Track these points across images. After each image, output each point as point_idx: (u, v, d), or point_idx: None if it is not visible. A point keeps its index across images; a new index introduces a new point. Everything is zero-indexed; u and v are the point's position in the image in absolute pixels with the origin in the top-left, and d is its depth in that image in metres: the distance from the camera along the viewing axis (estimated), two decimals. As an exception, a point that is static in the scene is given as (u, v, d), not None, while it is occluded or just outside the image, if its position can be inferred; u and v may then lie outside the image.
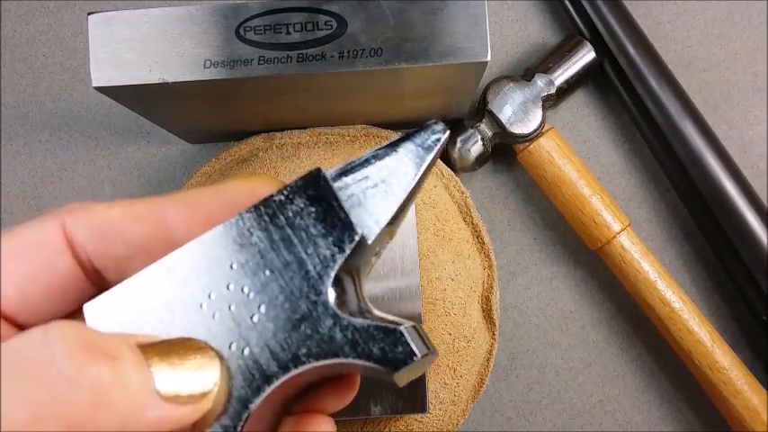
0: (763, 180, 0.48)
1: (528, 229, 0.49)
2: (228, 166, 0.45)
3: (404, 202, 0.22)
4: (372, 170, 0.22)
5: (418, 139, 0.22)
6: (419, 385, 0.39)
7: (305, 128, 0.45)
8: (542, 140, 0.45)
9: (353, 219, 0.21)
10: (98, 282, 0.23)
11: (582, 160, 0.46)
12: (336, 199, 0.21)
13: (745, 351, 0.47)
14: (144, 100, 0.38)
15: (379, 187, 0.22)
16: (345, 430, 0.42)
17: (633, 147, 0.49)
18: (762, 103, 0.49)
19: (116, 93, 0.36)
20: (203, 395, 0.20)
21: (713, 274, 0.48)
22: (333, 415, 0.25)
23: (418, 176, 0.22)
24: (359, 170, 0.22)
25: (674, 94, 0.45)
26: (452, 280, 0.43)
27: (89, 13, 0.35)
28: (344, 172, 0.22)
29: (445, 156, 0.47)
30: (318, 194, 0.21)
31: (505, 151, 0.48)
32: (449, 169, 0.46)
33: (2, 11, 0.51)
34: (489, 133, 0.46)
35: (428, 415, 0.42)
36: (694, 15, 0.49)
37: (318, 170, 0.22)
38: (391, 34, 0.34)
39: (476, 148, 0.46)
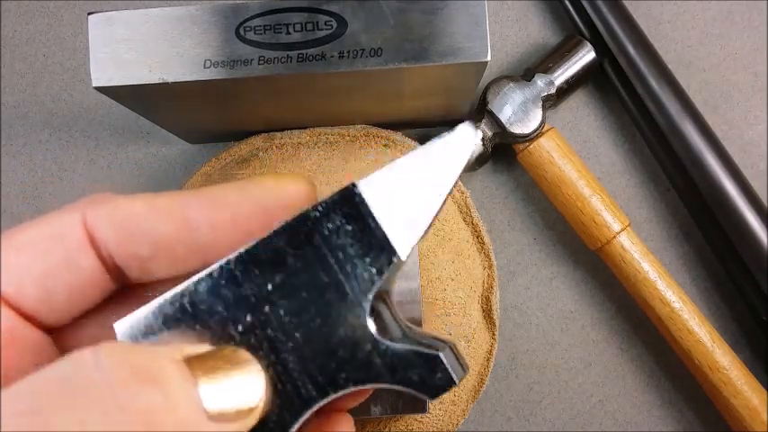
0: (763, 180, 0.48)
1: (528, 228, 0.49)
2: (228, 166, 0.45)
3: (437, 212, 0.21)
4: (406, 179, 0.21)
5: (452, 143, 0.21)
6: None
7: (305, 128, 0.45)
8: (542, 140, 0.45)
9: (390, 236, 0.20)
10: (120, 278, 0.22)
11: (582, 160, 0.46)
12: (373, 218, 0.20)
13: (745, 351, 0.47)
14: (144, 100, 0.38)
15: (414, 197, 0.21)
16: (345, 430, 0.42)
17: (633, 147, 0.49)
18: (762, 103, 0.49)
19: (116, 93, 0.36)
20: (250, 411, 0.19)
21: (713, 275, 0.48)
22: None
23: (452, 184, 0.21)
24: (392, 179, 0.21)
25: (674, 94, 0.45)
26: (452, 280, 0.43)
27: (89, 13, 0.35)
28: (377, 181, 0.21)
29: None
30: (355, 212, 0.20)
31: (505, 151, 0.48)
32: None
33: (2, 11, 0.51)
34: (489, 133, 0.46)
35: (428, 415, 0.42)
36: (694, 15, 0.49)
37: (353, 186, 0.21)
38: (391, 34, 0.34)
39: (476, 148, 0.46)
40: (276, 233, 0.21)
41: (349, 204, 0.21)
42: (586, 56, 0.46)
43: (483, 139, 0.46)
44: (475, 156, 0.46)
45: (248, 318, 0.20)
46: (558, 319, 0.48)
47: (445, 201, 0.21)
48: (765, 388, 0.44)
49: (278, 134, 0.45)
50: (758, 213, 0.44)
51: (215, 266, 0.21)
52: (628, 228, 0.45)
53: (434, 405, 0.42)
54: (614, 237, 0.45)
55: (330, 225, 0.20)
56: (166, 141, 0.50)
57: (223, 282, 0.20)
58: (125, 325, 0.21)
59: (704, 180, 0.44)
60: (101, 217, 0.21)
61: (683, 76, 0.48)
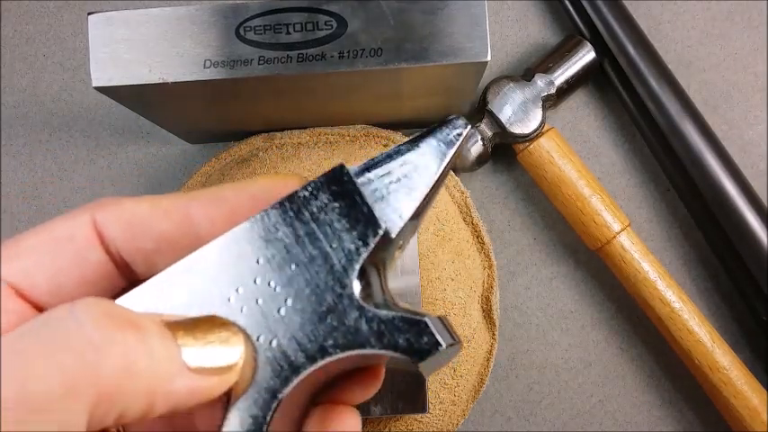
0: (763, 180, 0.48)
1: (528, 228, 0.49)
2: (228, 166, 0.45)
3: (427, 196, 0.22)
4: (395, 165, 0.22)
5: (440, 135, 0.23)
6: (419, 385, 0.39)
7: (305, 128, 0.45)
8: (542, 140, 0.45)
9: (377, 213, 0.22)
10: (128, 274, 0.23)
11: (582, 160, 0.46)
12: (360, 194, 0.22)
13: (745, 351, 0.47)
14: (144, 100, 0.38)
15: (402, 182, 0.22)
16: (345, 430, 0.42)
17: (633, 147, 0.49)
18: (762, 102, 0.49)
19: (116, 93, 0.36)
20: (229, 368, 0.20)
21: (713, 275, 0.48)
22: None
23: (440, 171, 0.23)
24: (382, 165, 0.22)
25: (674, 94, 0.45)
26: (452, 280, 0.43)
27: (89, 13, 0.35)
28: (368, 168, 0.22)
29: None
30: (342, 190, 0.22)
31: (505, 151, 0.48)
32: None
33: (2, 11, 0.51)
34: (489, 133, 0.46)
35: (428, 415, 0.42)
36: (694, 15, 0.49)
37: (342, 166, 0.22)
38: (391, 34, 0.34)
39: (476, 148, 0.46)
40: (267, 212, 0.22)
41: (337, 183, 0.22)
42: (586, 56, 0.46)
43: (483, 139, 0.46)
44: (474, 156, 0.46)
45: (240, 290, 0.21)
46: (557, 319, 0.48)
47: (436, 186, 0.23)
48: (765, 388, 0.44)
49: (278, 134, 0.45)
50: (758, 213, 0.44)
51: (208, 244, 0.22)
52: (628, 228, 0.45)
53: (434, 405, 0.42)
54: (614, 237, 0.45)
55: (318, 202, 0.22)
56: (166, 141, 0.50)
57: (214, 257, 0.22)
58: (122, 302, 0.22)
59: (704, 180, 0.44)
60: (109, 217, 0.22)
61: (683, 76, 0.48)
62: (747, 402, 0.43)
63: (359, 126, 0.45)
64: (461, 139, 0.23)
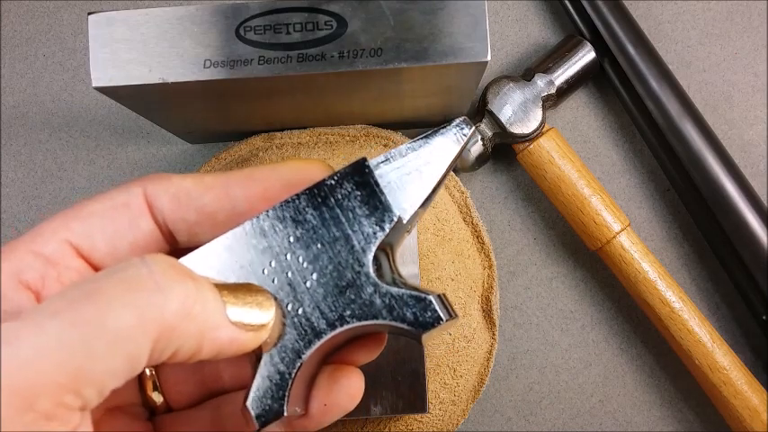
0: (762, 180, 0.48)
1: (528, 228, 0.49)
2: (228, 167, 0.45)
3: (435, 187, 0.26)
4: (408, 160, 0.26)
5: (448, 134, 0.26)
6: (419, 385, 0.39)
7: (305, 128, 0.45)
8: (542, 140, 0.45)
9: (392, 202, 0.25)
10: (172, 242, 0.26)
11: (582, 160, 0.46)
12: (378, 185, 0.25)
13: (745, 351, 0.47)
14: (144, 100, 0.38)
15: (413, 175, 0.25)
16: (345, 430, 0.42)
17: (633, 147, 0.49)
18: (762, 103, 0.49)
19: (116, 93, 0.36)
20: (262, 326, 0.23)
21: (713, 275, 0.48)
22: None
23: (447, 166, 0.26)
24: (397, 159, 0.26)
25: (674, 94, 0.45)
26: (452, 280, 0.43)
27: (89, 13, 0.35)
28: (385, 161, 0.25)
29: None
30: (363, 180, 0.25)
31: (505, 151, 0.48)
32: (449, 169, 0.46)
33: (2, 11, 0.51)
34: (489, 133, 0.46)
35: (428, 415, 0.42)
36: (694, 15, 0.49)
37: (364, 159, 0.25)
38: (391, 34, 0.34)
39: (476, 148, 0.46)
40: (298, 196, 0.25)
41: (359, 174, 0.25)
42: (586, 56, 0.46)
43: (483, 139, 0.46)
44: (474, 156, 0.46)
45: (272, 263, 0.25)
46: (557, 319, 0.48)
47: (442, 180, 0.26)
48: (765, 388, 0.44)
49: (278, 134, 0.45)
50: (758, 213, 0.44)
51: (246, 222, 0.25)
52: (628, 228, 0.45)
53: (434, 405, 0.42)
54: (614, 237, 0.44)
55: (342, 191, 0.25)
56: (166, 141, 0.50)
57: (253, 234, 0.25)
58: None
59: (704, 180, 0.44)
60: (158, 190, 0.25)
61: (683, 76, 0.48)
62: (747, 402, 0.43)
63: (359, 126, 0.45)
64: (467, 138, 0.26)
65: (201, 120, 0.43)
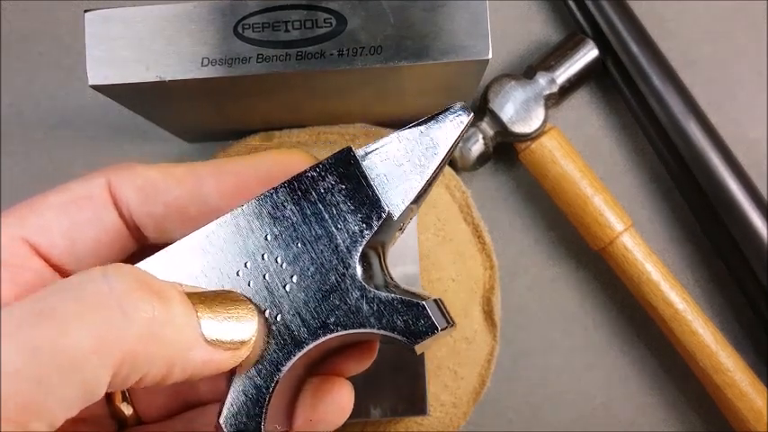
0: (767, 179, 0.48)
1: (529, 229, 0.48)
2: (227, 166, 0.45)
3: (430, 180, 0.23)
4: (400, 150, 0.23)
5: (443, 121, 0.23)
6: (419, 387, 0.39)
7: (304, 127, 0.45)
8: (544, 139, 0.45)
9: (381, 196, 0.22)
10: (139, 238, 0.24)
11: (584, 159, 0.46)
12: (365, 177, 0.22)
13: (749, 353, 0.47)
14: (141, 98, 0.38)
15: (406, 166, 0.23)
16: (345, 433, 0.42)
17: (636, 146, 0.49)
18: (766, 101, 0.48)
19: (113, 91, 0.36)
20: (242, 343, 0.21)
21: (717, 275, 0.48)
22: None
23: (444, 156, 0.23)
24: (386, 150, 0.23)
25: (678, 92, 0.45)
26: (453, 281, 0.42)
27: (85, 11, 0.34)
28: (373, 150, 0.23)
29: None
30: (348, 172, 0.22)
31: (507, 150, 0.48)
32: (450, 169, 0.46)
33: (1, 9, 0.50)
34: (490, 132, 0.45)
35: (428, 417, 0.42)
36: (698, 13, 0.49)
37: (349, 149, 0.23)
38: (391, 32, 0.34)
39: (477, 147, 0.45)
40: (276, 189, 0.22)
41: (344, 165, 0.23)
42: (589, 54, 0.46)
43: (484, 138, 0.46)
44: (475, 155, 0.46)
45: (248, 264, 0.22)
46: (559, 321, 0.48)
47: (438, 173, 0.23)
48: (770, 390, 0.44)
49: (276, 133, 0.45)
50: (763, 213, 0.44)
51: (220, 218, 0.23)
52: (631, 228, 0.45)
53: (435, 407, 0.42)
54: (617, 237, 0.44)
55: (325, 184, 0.22)
56: (164, 140, 0.49)
57: (226, 231, 0.22)
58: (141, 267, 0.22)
59: (708, 180, 0.44)
60: (123, 181, 0.23)
61: (686, 75, 0.48)
62: (752, 404, 0.43)
63: (358, 125, 0.45)
64: (463, 125, 0.23)
65: (199, 118, 0.43)
